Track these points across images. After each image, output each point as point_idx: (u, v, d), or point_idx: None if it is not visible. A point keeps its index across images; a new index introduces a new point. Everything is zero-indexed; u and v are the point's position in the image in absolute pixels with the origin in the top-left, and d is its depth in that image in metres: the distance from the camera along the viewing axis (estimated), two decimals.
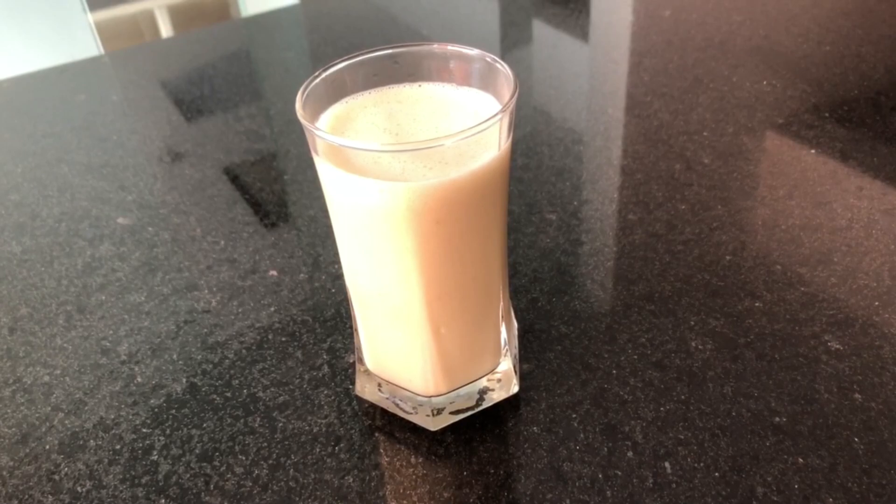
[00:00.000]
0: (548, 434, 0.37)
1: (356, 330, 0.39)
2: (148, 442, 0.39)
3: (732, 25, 0.79)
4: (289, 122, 0.67)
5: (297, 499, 0.35)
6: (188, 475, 0.37)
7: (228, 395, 0.41)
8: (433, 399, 0.37)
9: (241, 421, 0.39)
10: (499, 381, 0.39)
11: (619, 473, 0.35)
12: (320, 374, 0.42)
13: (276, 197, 0.58)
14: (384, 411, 0.39)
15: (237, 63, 0.80)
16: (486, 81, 0.34)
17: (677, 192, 0.54)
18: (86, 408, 0.41)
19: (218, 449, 0.38)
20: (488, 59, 0.34)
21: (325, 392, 0.41)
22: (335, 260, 0.50)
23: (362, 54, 0.35)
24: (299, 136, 0.64)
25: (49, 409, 0.41)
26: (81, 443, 0.39)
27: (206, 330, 0.45)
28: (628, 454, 0.36)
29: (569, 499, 0.34)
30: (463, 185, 0.31)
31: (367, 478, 0.36)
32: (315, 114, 0.33)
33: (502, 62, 0.33)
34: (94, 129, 0.68)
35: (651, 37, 0.78)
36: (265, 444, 0.38)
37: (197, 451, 0.38)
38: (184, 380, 0.42)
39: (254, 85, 0.75)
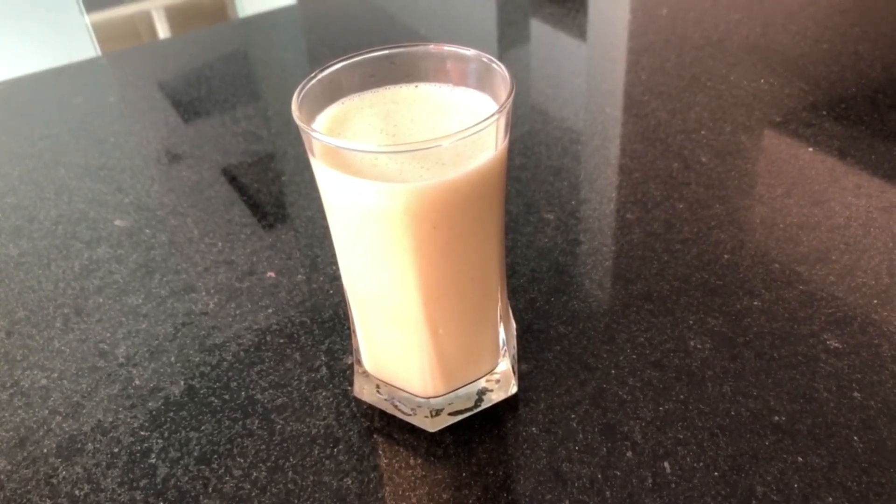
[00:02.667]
0: (547, 434, 0.37)
1: (354, 331, 0.39)
2: (146, 445, 0.38)
3: (730, 24, 0.79)
4: (286, 123, 0.67)
5: (296, 501, 0.35)
6: (186, 478, 0.37)
7: (226, 397, 0.41)
8: (432, 400, 0.37)
9: (240, 423, 0.39)
10: (497, 381, 0.39)
11: (619, 473, 0.35)
12: (318, 376, 0.42)
13: (274, 198, 0.57)
14: (383, 413, 0.39)
15: (234, 64, 0.80)
16: (483, 82, 0.34)
17: (675, 192, 0.54)
18: (83, 411, 0.41)
19: (216, 451, 0.38)
20: (485, 60, 0.34)
21: (324, 394, 0.40)
22: (333, 261, 0.49)
23: (358, 55, 0.35)
24: (297, 137, 0.64)
25: (47, 412, 0.41)
26: (79, 446, 0.39)
27: (203, 332, 0.45)
28: (627, 454, 0.36)
29: (568, 499, 0.34)
30: (460, 186, 0.31)
31: (366, 479, 0.36)
32: (311, 115, 0.33)
33: (499, 62, 0.33)
34: (91, 131, 0.68)
35: (649, 35, 0.78)
36: (263, 446, 0.38)
37: (195, 454, 0.38)
38: (182, 382, 0.42)
39: (251, 86, 0.75)
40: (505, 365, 0.39)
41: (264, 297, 0.47)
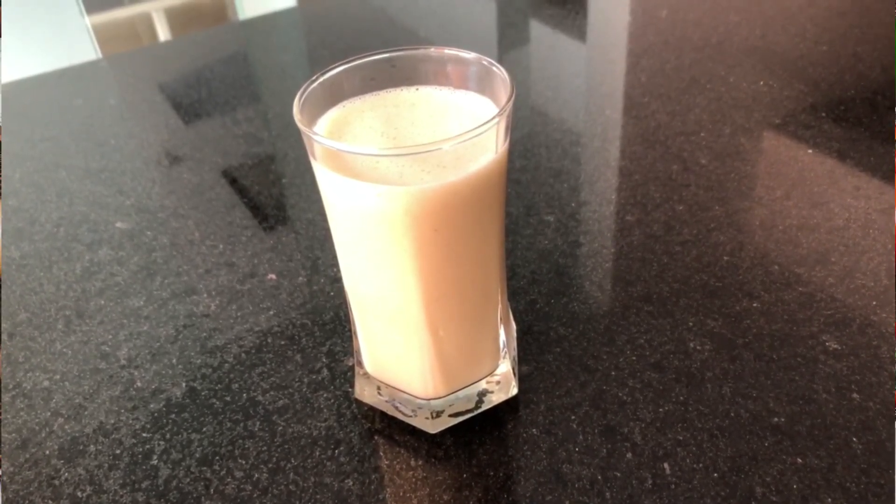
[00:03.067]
0: (547, 436, 0.37)
1: (355, 333, 0.39)
2: (148, 446, 0.39)
3: (729, 26, 0.79)
4: (287, 125, 0.67)
5: (298, 502, 0.35)
6: (188, 479, 0.37)
7: (228, 399, 0.41)
8: (432, 402, 0.37)
9: (241, 425, 0.39)
10: (498, 383, 0.39)
11: (619, 475, 0.35)
12: (319, 378, 0.42)
13: (275, 200, 0.58)
14: (383, 414, 0.39)
15: (235, 66, 0.80)
16: (483, 85, 0.34)
17: (675, 193, 0.54)
18: (85, 412, 0.41)
19: (218, 453, 0.38)
20: (485, 63, 0.34)
21: (325, 395, 0.41)
22: (334, 263, 0.50)
23: (359, 58, 0.35)
24: (297, 139, 0.64)
25: (49, 414, 0.41)
26: (81, 448, 0.39)
27: (205, 334, 0.45)
28: (627, 455, 0.36)
29: (568, 500, 0.34)
30: (461, 189, 0.31)
31: (367, 481, 0.36)
32: (313, 118, 0.34)
33: (499, 65, 0.33)
34: (91, 134, 0.68)
35: (648, 37, 0.78)
36: (265, 447, 0.38)
37: (197, 456, 0.38)
38: (183, 384, 0.42)
39: (251, 88, 0.75)
40: (505, 366, 0.39)
41: (265, 299, 0.48)
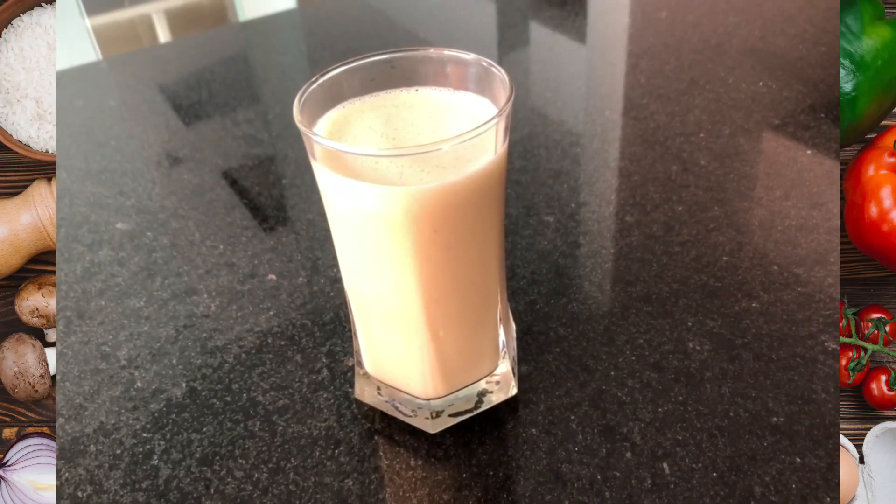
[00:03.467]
0: (546, 436, 0.38)
1: (355, 333, 0.39)
2: (148, 446, 0.39)
3: (728, 27, 0.79)
4: (287, 126, 0.67)
5: (298, 502, 0.35)
6: (188, 479, 0.37)
7: (228, 399, 0.41)
8: (432, 402, 0.37)
9: (241, 425, 0.39)
10: (497, 383, 0.39)
11: (618, 474, 0.35)
12: (319, 378, 0.42)
13: (275, 201, 0.58)
14: (383, 414, 0.39)
15: (235, 67, 0.80)
16: (483, 85, 0.34)
17: (674, 194, 0.54)
18: (86, 413, 0.41)
19: (218, 453, 0.38)
20: (484, 64, 0.34)
21: (325, 396, 0.41)
22: (334, 264, 0.50)
23: (359, 59, 0.35)
24: (297, 140, 0.64)
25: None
26: (82, 448, 0.39)
27: (205, 334, 0.45)
28: (627, 455, 0.36)
29: (568, 500, 0.35)
30: (460, 189, 0.31)
31: (367, 481, 0.36)
32: (312, 119, 0.34)
33: (498, 66, 0.33)
34: (92, 135, 0.68)
35: (648, 39, 0.78)
36: (265, 447, 0.38)
37: (197, 456, 0.38)
38: (183, 384, 0.42)
39: (251, 89, 0.75)
40: (505, 366, 0.39)
41: (265, 299, 0.48)
